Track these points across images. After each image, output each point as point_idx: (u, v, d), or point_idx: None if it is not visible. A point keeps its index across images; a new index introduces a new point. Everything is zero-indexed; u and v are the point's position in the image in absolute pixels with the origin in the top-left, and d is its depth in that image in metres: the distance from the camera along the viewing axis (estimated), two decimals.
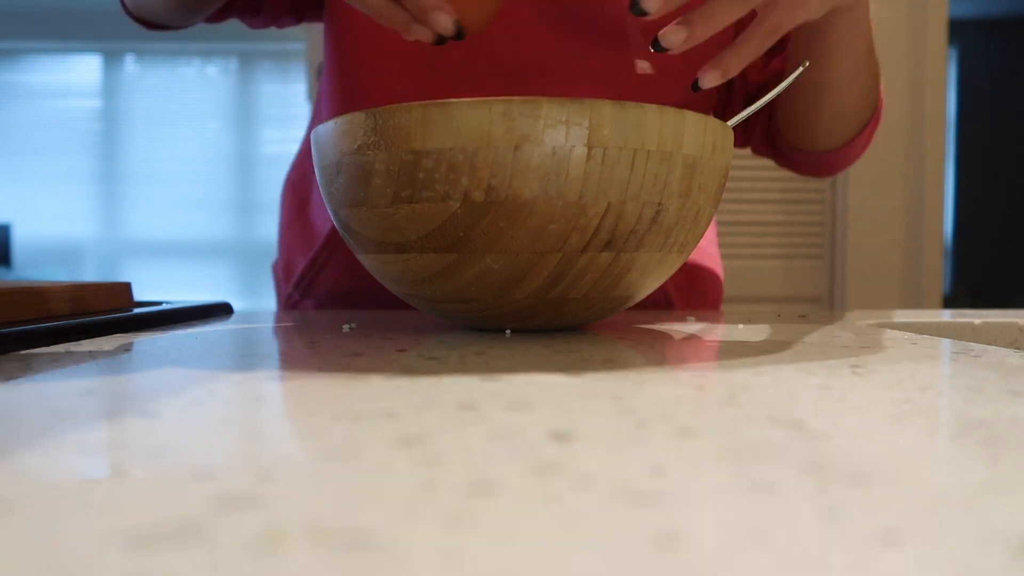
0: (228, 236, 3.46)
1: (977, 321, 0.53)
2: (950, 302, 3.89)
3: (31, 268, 3.43)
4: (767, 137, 0.68)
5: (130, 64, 3.48)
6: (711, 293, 0.71)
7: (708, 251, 0.71)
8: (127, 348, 0.35)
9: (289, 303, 0.70)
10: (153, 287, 3.43)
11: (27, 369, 0.28)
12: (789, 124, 0.63)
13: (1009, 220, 4.09)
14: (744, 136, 0.69)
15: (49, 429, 0.19)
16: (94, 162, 3.48)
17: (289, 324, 0.46)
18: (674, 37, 0.40)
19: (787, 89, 0.60)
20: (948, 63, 3.08)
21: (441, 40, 0.43)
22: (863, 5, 0.52)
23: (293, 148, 3.38)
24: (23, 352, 0.32)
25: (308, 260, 0.66)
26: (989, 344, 0.51)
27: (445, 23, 0.41)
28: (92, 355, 0.32)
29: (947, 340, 0.40)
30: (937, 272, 1.85)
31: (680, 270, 0.68)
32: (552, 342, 0.36)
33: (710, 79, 0.42)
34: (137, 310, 0.46)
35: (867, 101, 0.60)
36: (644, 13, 0.39)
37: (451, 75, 0.58)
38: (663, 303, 0.66)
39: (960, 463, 0.17)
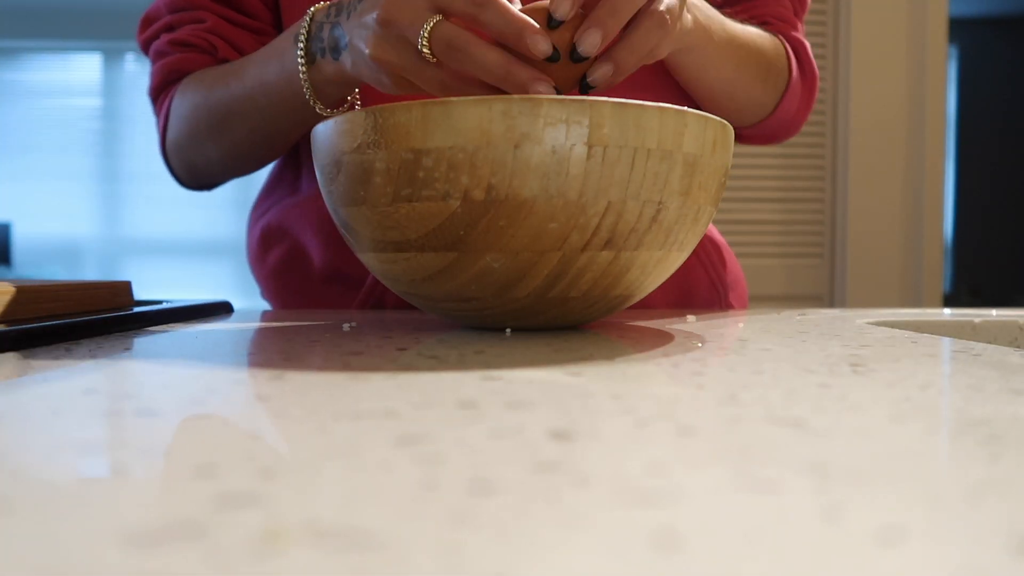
0: (228, 235, 3.45)
1: (977, 320, 0.53)
2: (950, 300, 3.89)
3: (31, 267, 3.42)
4: None
5: (130, 63, 3.48)
6: (744, 293, 0.71)
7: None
8: (127, 347, 0.35)
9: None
10: (153, 286, 3.42)
11: (27, 369, 0.28)
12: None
13: (1009, 219, 4.09)
14: None
15: (49, 429, 0.19)
16: (94, 161, 3.48)
17: (289, 323, 0.46)
18: (600, 72, 0.40)
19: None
20: (948, 62, 3.08)
21: None
22: (711, 45, 0.53)
23: None
24: (23, 352, 0.32)
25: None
26: (989, 343, 0.51)
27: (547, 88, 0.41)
28: (92, 355, 0.32)
29: (947, 339, 0.40)
30: (937, 271, 1.85)
31: (727, 269, 0.68)
32: (552, 341, 0.36)
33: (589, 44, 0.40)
34: (137, 309, 0.46)
35: (764, 89, 0.61)
36: (560, 23, 0.39)
37: None
38: (716, 304, 0.66)
39: (960, 462, 0.17)
